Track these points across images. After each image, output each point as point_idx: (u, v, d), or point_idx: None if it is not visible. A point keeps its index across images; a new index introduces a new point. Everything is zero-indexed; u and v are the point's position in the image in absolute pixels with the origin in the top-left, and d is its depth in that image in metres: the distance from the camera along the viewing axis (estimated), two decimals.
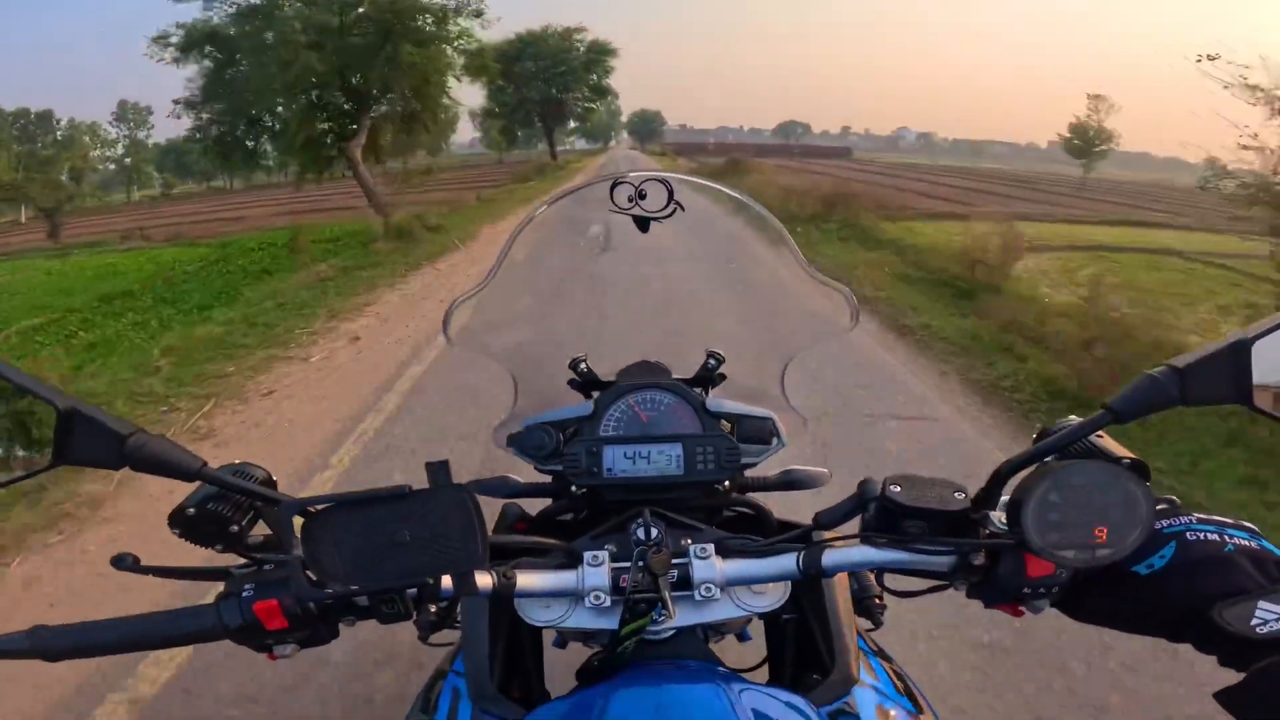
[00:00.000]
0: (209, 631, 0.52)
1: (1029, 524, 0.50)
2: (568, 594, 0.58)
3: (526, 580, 0.57)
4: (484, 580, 0.54)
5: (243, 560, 0.55)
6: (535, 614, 0.59)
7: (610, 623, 0.57)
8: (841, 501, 0.59)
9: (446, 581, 0.51)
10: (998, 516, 0.56)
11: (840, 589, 0.70)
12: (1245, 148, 4.63)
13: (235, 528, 0.53)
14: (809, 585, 0.70)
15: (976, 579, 0.56)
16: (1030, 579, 0.54)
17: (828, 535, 0.60)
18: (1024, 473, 0.53)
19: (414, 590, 0.53)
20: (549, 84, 40.65)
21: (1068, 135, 44.05)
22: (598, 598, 0.57)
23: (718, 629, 0.74)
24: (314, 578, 0.47)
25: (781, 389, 0.79)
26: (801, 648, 0.72)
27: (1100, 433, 0.54)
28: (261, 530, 0.56)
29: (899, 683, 0.71)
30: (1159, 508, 0.55)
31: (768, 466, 0.77)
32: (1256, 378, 0.48)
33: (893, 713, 0.64)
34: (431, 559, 0.46)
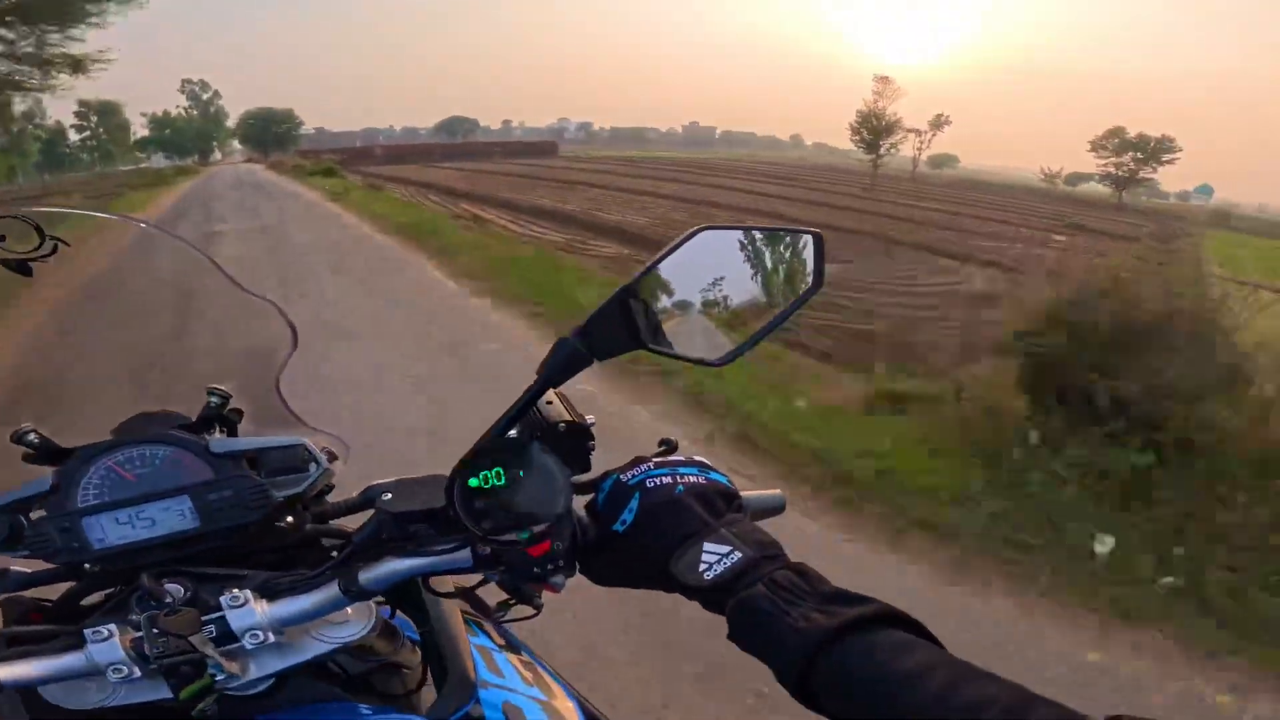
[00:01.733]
0: None
1: (462, 517, 0.49)
2: (89, 674, 0.52)
3: (15, 671, 0.50)
4: None
5: None
6: (75, 700, 0.54)
7: (166, 692, 0.52)
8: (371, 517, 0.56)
9: None
10: None
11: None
12: None
13: None
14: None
15: (501, 567, 0.54)
16: (534, 558, 0.52)
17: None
18: None
19: None
20: None
21: (856, 124, 41.45)
22: (119, 671, 0.51)
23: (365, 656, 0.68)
24: None
25: (288, 411, 0.73)
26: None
27: (551, 397, 0.56)
28: None
29: (527, 674, 0.71)
30: (659, 449, 0.59)
31: (352, 487, 0.71)
32: (640, 321, 0.54)
33: (523, 708, 0.63)
34: None
